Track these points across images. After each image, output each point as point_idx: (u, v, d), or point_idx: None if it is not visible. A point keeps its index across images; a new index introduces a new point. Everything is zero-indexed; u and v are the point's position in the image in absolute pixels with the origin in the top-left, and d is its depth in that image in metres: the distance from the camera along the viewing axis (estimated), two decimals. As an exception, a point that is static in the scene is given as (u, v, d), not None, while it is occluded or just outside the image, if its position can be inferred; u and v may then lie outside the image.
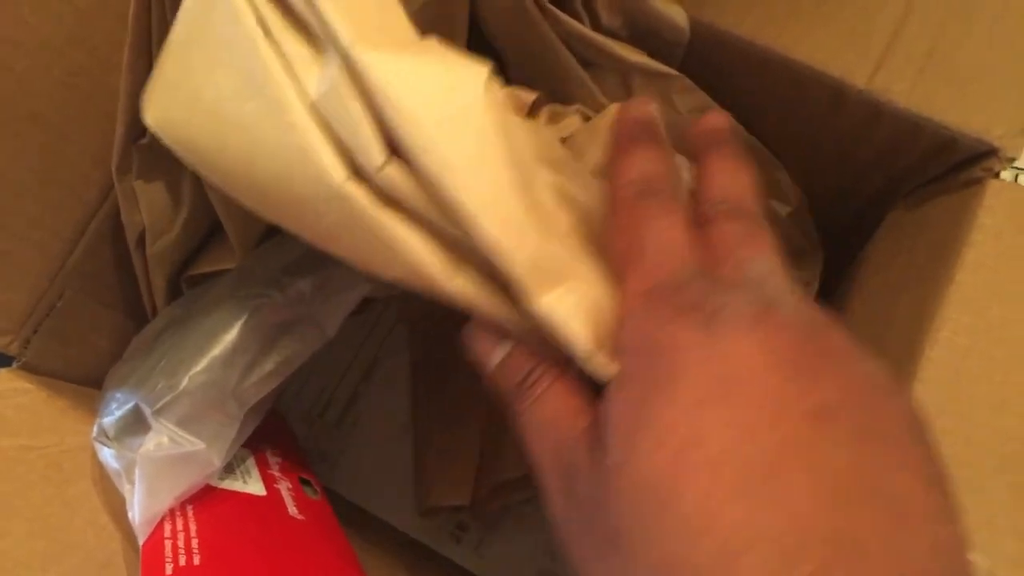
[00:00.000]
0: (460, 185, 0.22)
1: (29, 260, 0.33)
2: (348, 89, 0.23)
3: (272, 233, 0.36)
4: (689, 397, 0.20)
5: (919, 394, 0.30)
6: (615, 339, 0.23)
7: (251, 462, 0.36)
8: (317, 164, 0.23)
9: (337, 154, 0.23)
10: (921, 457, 0.20)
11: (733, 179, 0.27)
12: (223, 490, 0.33)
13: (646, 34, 0.37)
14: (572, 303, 0.24)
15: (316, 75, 0.23)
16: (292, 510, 0.34)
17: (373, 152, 0.23)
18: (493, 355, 0.26)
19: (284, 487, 0.36)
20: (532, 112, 0.34)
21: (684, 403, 0.20)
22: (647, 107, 0.29)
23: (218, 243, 0.36)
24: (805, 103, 0.36)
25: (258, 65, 0.23)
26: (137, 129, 0.32)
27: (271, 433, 0.40)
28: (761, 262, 0.24)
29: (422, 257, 0.24)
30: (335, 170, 0.23)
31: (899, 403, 0.21)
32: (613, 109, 0.33)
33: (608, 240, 0.26)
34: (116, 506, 0.31)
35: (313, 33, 0.23)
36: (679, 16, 0.36)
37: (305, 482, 0.38)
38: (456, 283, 0.24)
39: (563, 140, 0.34)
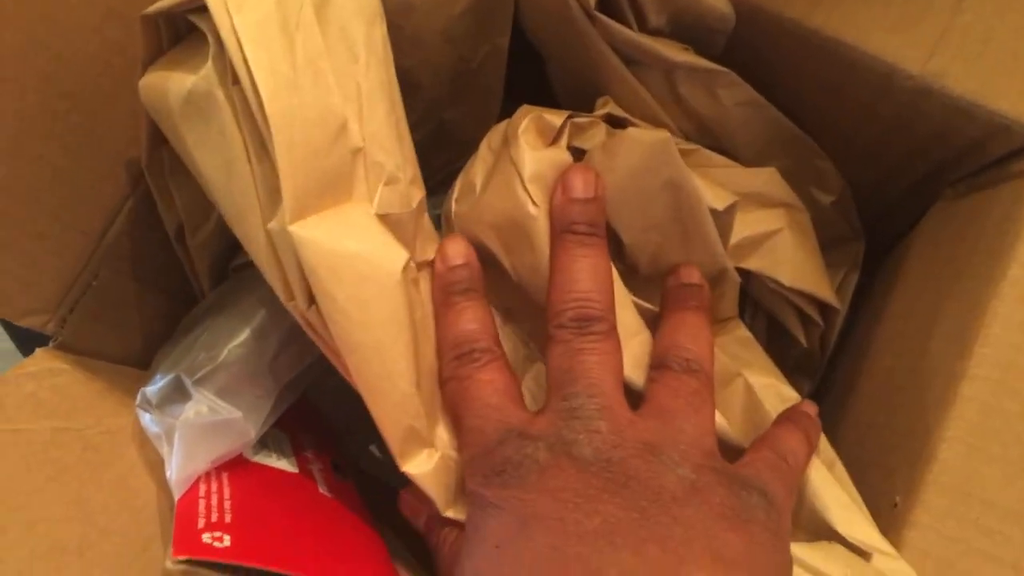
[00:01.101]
0: (355, 364, 0.27)
1: (65, 240, 0.33)
2: (286, 241, 0.26)
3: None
4: (490, 543, 0.25)
5: (968, 391, 0.29)
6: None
7: (286, 442, 0.36)
8: (271, 283, 0.28)
9: (280, 283, 0.27)
10: (707, 553, 0.24)
11: (695, 338, 0.31)
12: (256, 463, 0.33)
13: (691, 27, 0.36)
14: (429, 468, 0.29)
15: (271, 213, 0.26)
16: (322, 488, 0.34)
17: (300, 296, 0.27)
18: (420, 518, 0.31)
19: (316, 468, 0.36)
20: (559, 133, 0.33)
21: (486, 548, 0.25)
22: (464, 254, 0.31)
23: None
24: (853, 88, 0.35)
25: (233, 176, 0.27)
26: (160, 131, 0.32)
27: (306, 418, 0.41)
28: (687, 420, 0.28)
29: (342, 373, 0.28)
30: (282, 294, 0.28)
31: (695, 509, 0.25)
32: (632, 133, 0.33)
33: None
34: (154, 489, 0.31)
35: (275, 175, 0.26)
36: (724, 5, 0.35)
37: (336, 466, 0.37)
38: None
39: (584, 153, 0.34)
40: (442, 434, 0.30)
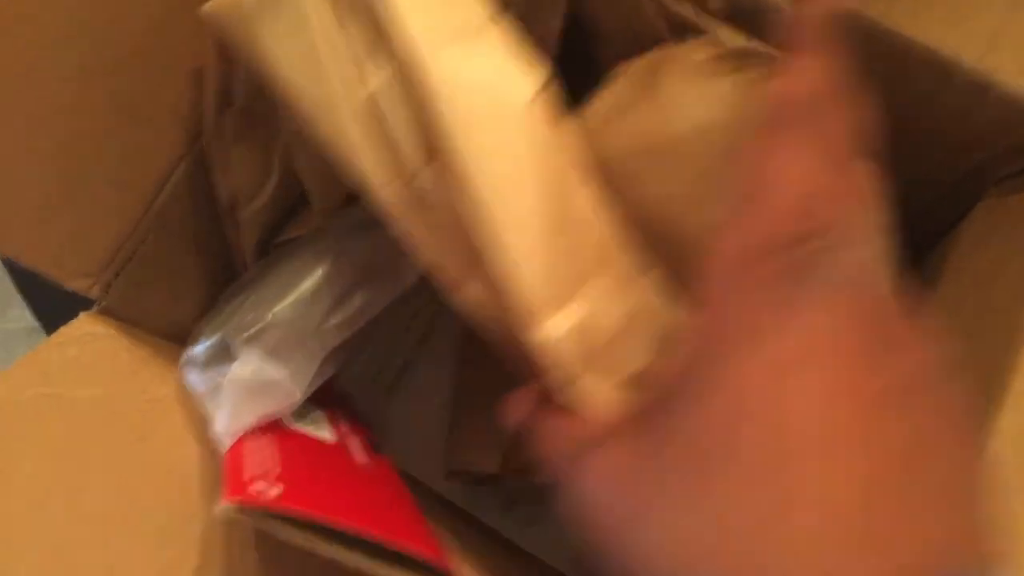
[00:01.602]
0: (485, 202, 0.24)
1: (115, 202, 0.32)
2: (399, 91, 0.24)
3: (353, 199, 0.37)
4: (767, 361, 0.20)
5: (1020, 386, 0.29)
6: (699, 292, 0.23)
7: (323, 417, 0.36)
8: (359, 169, 0.25)
9: (378, 157, 0.25)
10: (965, 448, 0.22)
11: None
12: (297, 430, 0.33)
13: (748, 12, 0.36)
14: (565, 329, 0.25)
15: (374, 69, 0.25)
16: (360, 458, 0.34)
17: (413, 157, 0.25)
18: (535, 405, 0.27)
19: (353, 441, 0.36)
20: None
21: (761, 366, 0.20)
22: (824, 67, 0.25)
23: (303, 213, 0.38)
24: (908, 81, 0.35)
25: (319, 57, 0.25)
26: (226, 96, 0.32)
27: (340, 401, 0.41)
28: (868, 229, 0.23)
29: (439, 262, 0.26)
30: (373, 176, 0.25)
31: (952, 394, 0.22)
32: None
33: (734, 172, 0.24)
34: (200, 460, 0.31)
35: (378, 22, 0.25)
36: None
37: (372, 443, 0.37)
38: (467, 290, 0.26)
39: None
40: (586, 292, 0.26)
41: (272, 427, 0.32)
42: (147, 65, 0.31)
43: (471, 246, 0.25)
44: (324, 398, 0.37)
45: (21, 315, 0.49)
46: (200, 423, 0.31)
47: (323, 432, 0.34)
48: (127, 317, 0.34)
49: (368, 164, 0.25)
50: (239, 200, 0.35)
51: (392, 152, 0.25)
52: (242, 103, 0.32)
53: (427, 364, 0.49)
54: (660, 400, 0.22)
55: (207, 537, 0.29)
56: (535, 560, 0.47)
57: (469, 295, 0.26)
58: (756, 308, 0.21)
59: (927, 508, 0.20)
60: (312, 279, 0.32)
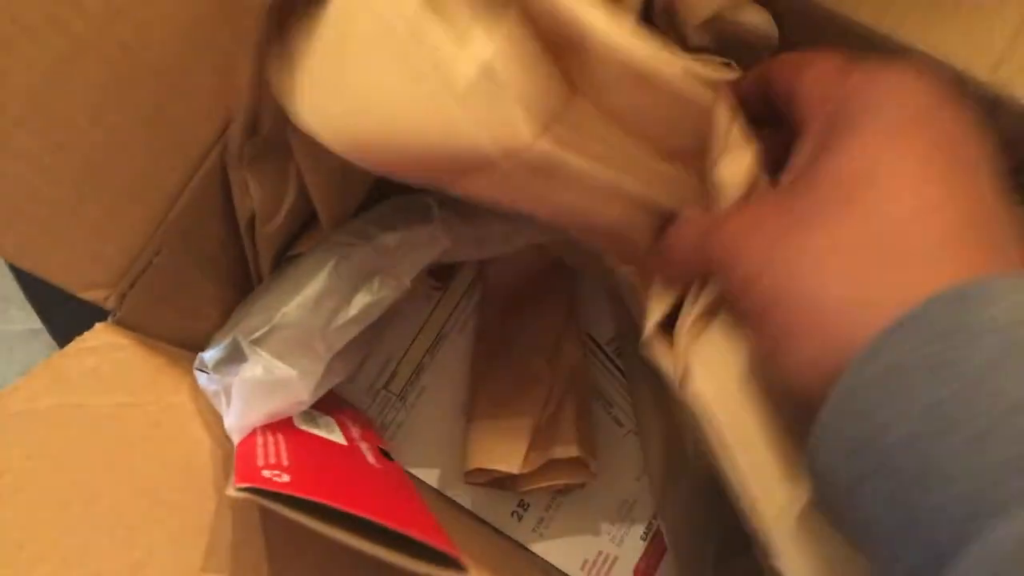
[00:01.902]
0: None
1: (131, 213, 0.33)
2: (510, 60, 0.25)
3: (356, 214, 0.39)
4: (868, 139, 0.26)
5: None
6: (808, 101, 0.29)
7: (333, 423, 0.37)
8: (470, 146, 0.25)
9: (492, 133, 0.25)
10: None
11: None
12: (307, 431, 0.34)
13: (735, 44, 0.36)
14: (735, 169, 0.30)
15: (465, 58, 0.25)
16: (371, 460, 0.35)
17: (524, 131, 0.25)
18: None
19: (364, 446, 0.36)
20: None
21: (863, 143, 0.26)
22: None
23: (313, 229, 0.40)
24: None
25: (422, 48, 0.25)
26: (253, 124, 0.33)
27: (350, 410, 0.42)
28: None
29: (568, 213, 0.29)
30: (490, 148, 0.25)
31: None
32: None
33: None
34: (218, 469, 0.32)
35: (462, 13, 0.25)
36: (768, 25, 0.36)
37: (383, 451, 0.38)
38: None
39: None
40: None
41: (282, 426, 0.32)
42: (166, 79, 0.32)
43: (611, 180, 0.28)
44: (334, 406, 0.37)
45: (22, 316, 0.49)
46: (216, 426, 0.32)
47: (334, 436, 0.35)
48: (142, 328, 0.35)
49: (483, 139, 0.26)
50: (257, 220, 0.36)
51: (508, 122, 0.25)
52: (267, 133, 0.33)
53: (439, 370, 0.49)
54: (787, 179, 0.29)
55: (227, 535, 0.30)
56: (546, 565, 0.47)
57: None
58: (847, 110, 0.27)
59: (1006, 233, 0.25)
60: (316, 283, 0.34)
